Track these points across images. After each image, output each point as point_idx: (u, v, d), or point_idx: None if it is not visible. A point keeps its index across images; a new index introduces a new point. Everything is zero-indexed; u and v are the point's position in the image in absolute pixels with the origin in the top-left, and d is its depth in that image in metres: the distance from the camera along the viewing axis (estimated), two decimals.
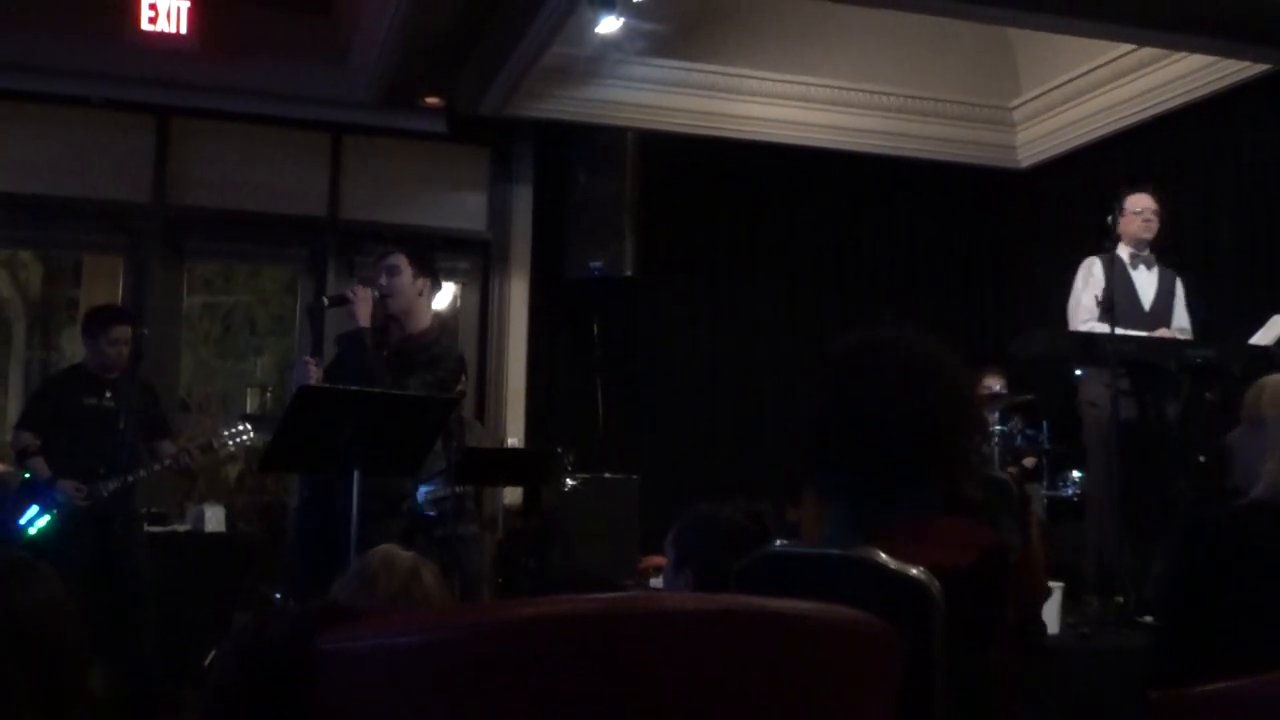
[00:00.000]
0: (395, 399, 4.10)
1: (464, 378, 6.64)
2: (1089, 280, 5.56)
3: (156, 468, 5.40)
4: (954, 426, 1.53)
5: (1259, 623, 2.12)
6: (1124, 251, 5.63)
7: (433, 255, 4.77)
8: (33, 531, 5.12)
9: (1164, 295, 5.68)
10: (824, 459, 1.55)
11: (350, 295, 4.42)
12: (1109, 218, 5.57)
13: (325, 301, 4.52)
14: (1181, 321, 5.68)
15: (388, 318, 4.46)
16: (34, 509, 5.15)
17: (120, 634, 5.10)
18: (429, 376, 4.34)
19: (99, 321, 5.50)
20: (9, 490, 5.53)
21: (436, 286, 4.68)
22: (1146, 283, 5.68)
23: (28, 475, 5.32)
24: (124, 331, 5.44)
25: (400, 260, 4.47)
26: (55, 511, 5.13)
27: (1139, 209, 5.64)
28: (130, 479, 5.23)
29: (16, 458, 5.45)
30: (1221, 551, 2.25)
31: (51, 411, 5.41)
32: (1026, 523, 1.68)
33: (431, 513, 6.09)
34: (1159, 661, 2.32)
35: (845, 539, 1.39)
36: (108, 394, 5.35)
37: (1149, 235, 5.64)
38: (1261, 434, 2.38)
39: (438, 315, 4.76)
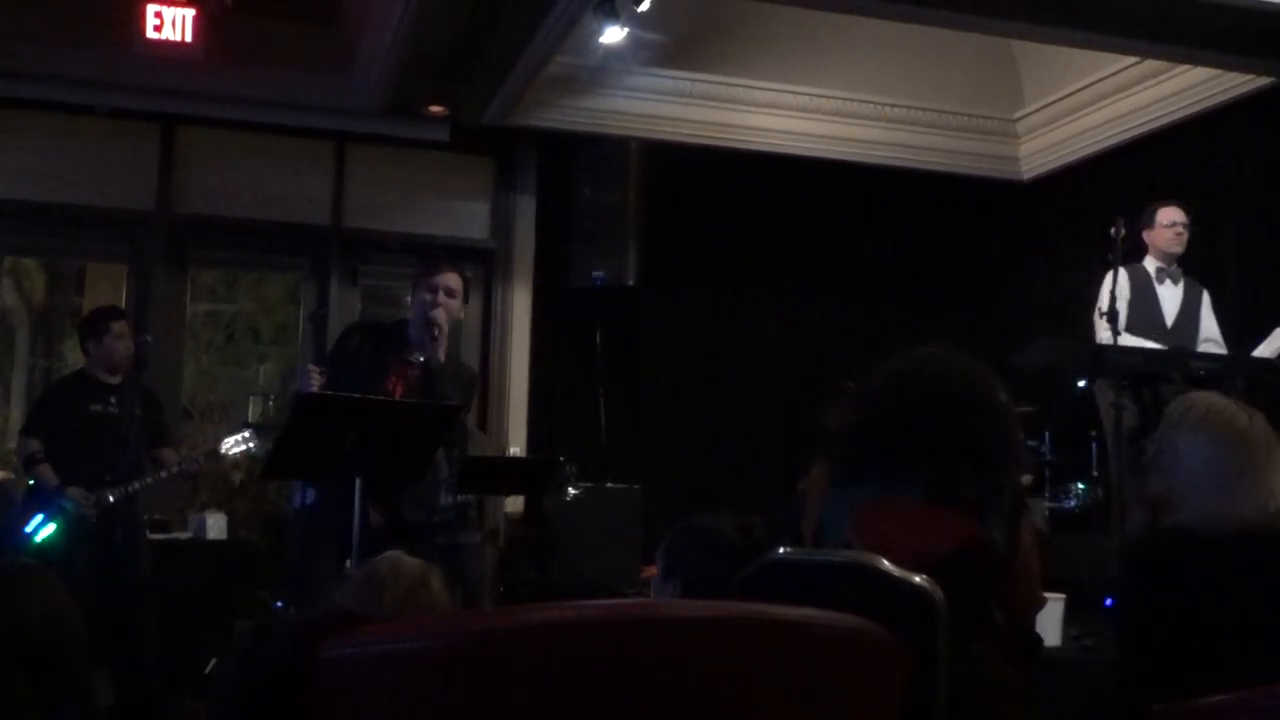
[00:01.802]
0: (398, 406, 4.10)
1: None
2: (1119, 291, 5.53)
3: (163, 474, 5.39)
4: (989, 433, 1.57)
5: (1203, 647, 2.13)
6: (1150, 264, 5.58)
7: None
8: (39, 540, 5.11)
9: (1189, 310, 5.60)
10: (853, 439, 1.58)
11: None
12: (1114, 230, 5.54)
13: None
14: (1211, 332, 5.63)
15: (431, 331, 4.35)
16: (40, 517, 5.14)
17: (123, 640, 5.10)
18: (462, 396, 4.34)
19: (100, 321, 5.52)
20: (12, 497, 5.53)
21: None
22: (1170, 297, 5.60)
23: (33, 482, 5.31)
24: (124, 326, 5.46)
25: (459, 283, 4.40)
26: (62, 520, 5.12)
27: (1170, 221, 5.56)
28: (135, 486, 5.23)
29: (23, 465, 5.45)
30: (1155, 586, 2.25)
31: (57, 418, 5.40)
32: (1017, 527, 1.68)
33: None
34: (1126, 684, 2.33)
35: (841, 514, 1.41)
36: (113, 400, 5.35)
37: (1179, 249, 5.57)
38: (1164, 454, 2.37)
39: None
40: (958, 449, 1.56)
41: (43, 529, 5.12)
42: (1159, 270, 5.58)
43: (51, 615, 1.73)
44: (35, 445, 5.34)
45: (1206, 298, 5.67)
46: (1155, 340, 5.35)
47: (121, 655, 5.09)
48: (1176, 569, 2.18)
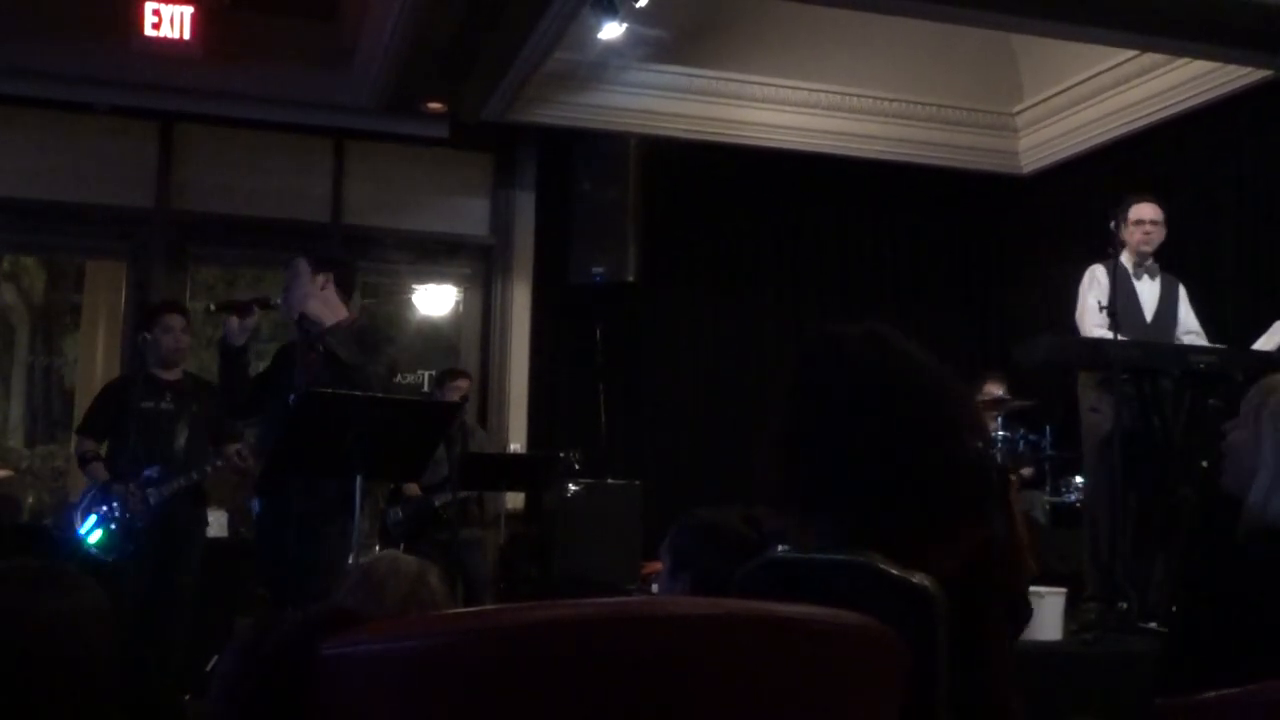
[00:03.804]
0: (398, 404, 4.11)
1: (468, 382, 6.67)
2: (1093, 286, 5.50)
3: (209, 469, 5.31)
4: (933, 430, 1.48)
5: (1265, 647, 2.11)
6: (1126, 260, 5.58)
7: (336, 252, 4.77)
8: (91, 541, 5.09)
9: (1167, 305, 5.60)
10: (796, 467, 1.50)
11: (246, 305, 4.40)
12: (1112, 223, 5.54)
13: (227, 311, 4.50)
14: (1190, 324, 5.62)
15: (305, 320, 4.44)
16: (93, 519, 5.13)
17: (153, 639, 5.05)
18: (371, 367, 4.30)
19: (150, 314, 5.52)
20: (17, 501, 5.53)
21: (346, 279, 4.60)
22: (1149, 292, 5.59)
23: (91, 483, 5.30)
24: (176, 319, 5.40)
25: (298, 264, 4.48)
26: (112, 522, 5.08)
27: (1139, 219, 5.55)
28: (183, 482, 5.17)
29: (79, 462, 5.45)
30: (1227, 579, 2.22)
31: (111, 416, 5.37)
32: (1008, 507, 1.64)
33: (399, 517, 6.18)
34: (1166, 672, 2.31)
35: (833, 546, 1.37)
36: (168, 396, 5.28)
37: (1148, 248, 5.55)
38: (1256, 441, 2.32)
39: (363, 308, 4.73)
40: (918, 455, 1.49)
41: (94, 531, 5.11)
42: (1136, 266, 5.57)
43: (87, 617, 1.74)
44: (88, 444, 5.33)
45: (1183, 291, 5.67)
46: (1136, 335, 5.34)
47: (148, 655, 5.05)
48: (1267, 569, 2.15)
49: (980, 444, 1.57)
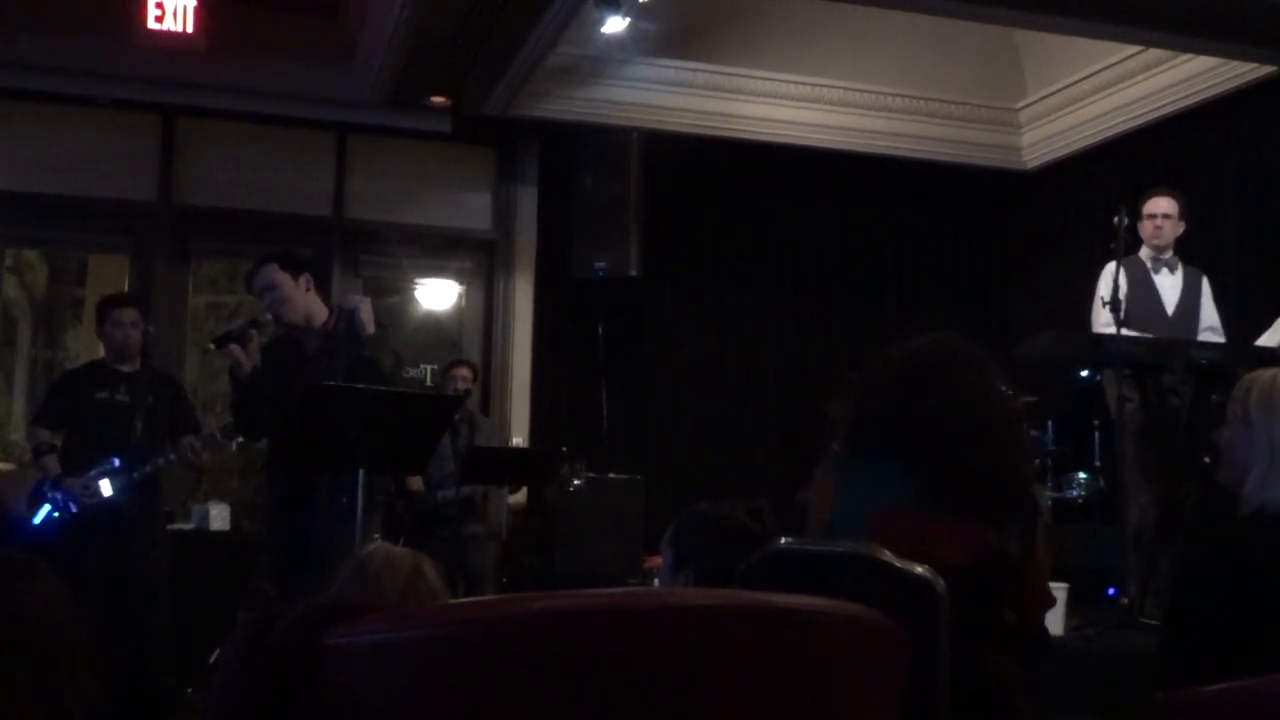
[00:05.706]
0: (401, 397, 4.10)
1: (469, 370, 6.65)
2: (1103, 282, 5.48)
3: (160, 462, 5.30)
4: (1009, 438, 1.57)
5: (1262, 631, 2.12)
6: (1145, 255, 5.56)
7: (293, 250, 4.74)
8: (43, 532, 5.10)
9: (1189, 299, 5.56)
10: (868, 440, 1.56)
11: (243, 332, 4.33)
12: (1116, 219, 5.52)
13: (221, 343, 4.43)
14: (1210, 320, 5.59)
15: (289, 325, 4.40)
16: (45, 509, 5.13)
17: (131, 636, 5.06)
18: (383, 371, 4.25)
19: (103, 308, 5.50)
20: (16, 489, 5.52)
21: (319, 274, 4.58)
22: (1170, 286, 5.54)
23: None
24: (128, 314, 5.38)
25: (273, 274, 4.34)
26: (61, 513, 5.09)
27: (1151, 213, 5.54)
28: (135, 475, 5.17)
29: (33, 454, 5.44)
30: (1224, 567, 2.23)
31: (66, 407, 5.37)
32: (1033, 530, 1.68)
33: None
34: (1164, 667, 2.32)
35: (854, 520, 1.40)
36: (123, 388, 5.27)
37: (1159, 242, 5.54)
38: (1249, 435, 2.33)
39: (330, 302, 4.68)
40: (966, 443, 1.56)
41: (47, 520, 5.11)
42: (1154, 260, 5.55)
43: (48, 607, 1.74)
44: (44, 435, 5.32)
45: (1206, 285, 5.64)
46: (1157, 331, 5.32)
47: (129, 651, 5.05)
48: (1262, 555, 2.16)
49: (1030, 476, 1.68)
